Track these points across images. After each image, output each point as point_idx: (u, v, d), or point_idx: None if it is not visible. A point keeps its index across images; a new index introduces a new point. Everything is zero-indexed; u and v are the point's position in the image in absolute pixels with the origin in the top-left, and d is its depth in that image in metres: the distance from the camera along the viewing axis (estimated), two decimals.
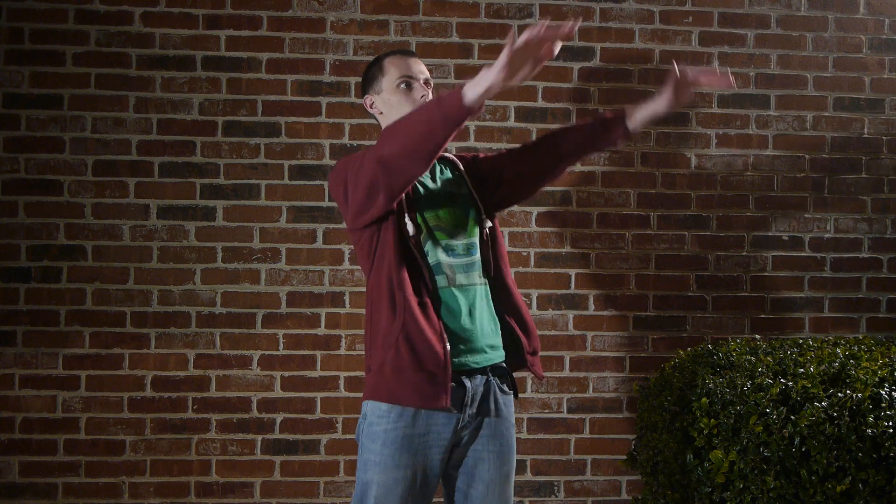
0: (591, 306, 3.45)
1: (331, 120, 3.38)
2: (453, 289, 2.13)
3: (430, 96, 2.21)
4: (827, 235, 3.52)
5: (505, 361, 2.21)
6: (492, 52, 3.41)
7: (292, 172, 3.36)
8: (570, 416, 3.44)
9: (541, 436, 3.42)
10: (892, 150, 3.54)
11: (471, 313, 2.14)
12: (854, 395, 2.34)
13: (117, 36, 3.32)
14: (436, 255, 2.13)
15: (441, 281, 2.12)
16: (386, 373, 2.06)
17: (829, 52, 3.53)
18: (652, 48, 3.47)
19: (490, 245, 2.24)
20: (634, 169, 3.45)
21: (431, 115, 1.88)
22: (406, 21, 3.39)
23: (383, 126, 2.24)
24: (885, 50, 3.54)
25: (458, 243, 2.18)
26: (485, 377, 2.15)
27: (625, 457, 3.36)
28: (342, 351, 3.36)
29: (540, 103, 3.43)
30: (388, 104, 2.21)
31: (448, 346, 2.05)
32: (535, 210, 3.41)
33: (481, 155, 2.34)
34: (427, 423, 2.07)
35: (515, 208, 3.40)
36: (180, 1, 3.32)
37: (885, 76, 3.54)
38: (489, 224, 2.25)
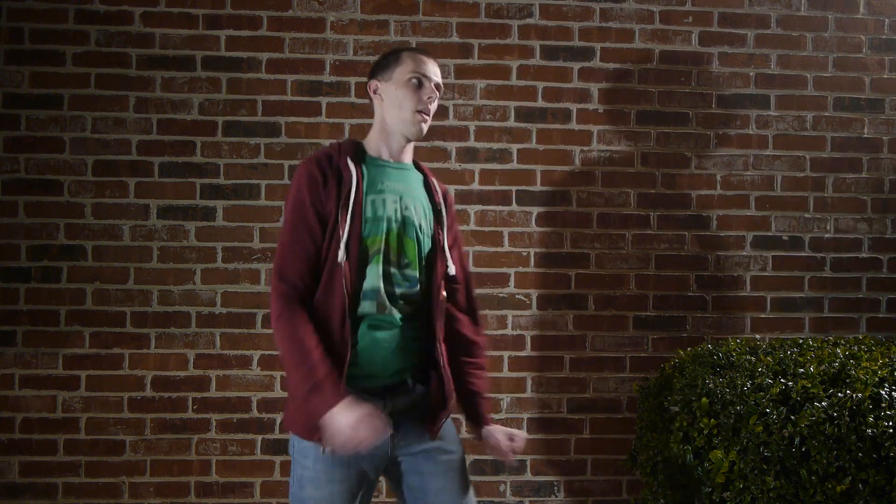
0: (591, 306, 3.43)
1: (331, 120, 3.36)
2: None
3: (434, 106, 2.16)
4: (827, 235, 3.51)
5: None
6: (491, 52, 3.39)
7: (292, 172, 3.35)
8: (570, 416, 3.42)
9: (541, 436, 3.41)
10: (893, 150, 3.52)
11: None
12: (854, 395, 2.32)
13: (117, 36, 3.30)
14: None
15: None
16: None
17: (829, 52, 3.51)
18: (652, 48, 3.45)
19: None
20: (634, 169, 3.44)
21: (300, 379, 1.93)
22: (406, 21, 3.37)
23: (377, 114, 2.17)
24: (885, 50, 3.53)
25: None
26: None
27: (625, 457, 3.35)
28: None
29: (540, 103, 3.41)
30: (392, 95, 2.13)
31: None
32: (534, 210, 3.40)
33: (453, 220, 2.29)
34: None
35: (515, 208, 3.39)
36: (180, 1, 3.31)
37: (886, 76, 3.53)
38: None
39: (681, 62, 3.45)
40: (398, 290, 2.09)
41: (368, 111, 3.30)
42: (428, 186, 2.22)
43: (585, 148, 3.41)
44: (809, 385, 2.43)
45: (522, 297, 3.40)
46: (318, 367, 1.93)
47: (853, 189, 3.52)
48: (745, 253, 3.48)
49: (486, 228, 3.38)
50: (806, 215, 3.51)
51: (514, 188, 3.40)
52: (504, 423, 3.35)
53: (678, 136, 3.46)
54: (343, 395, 1.91)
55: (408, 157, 2.21)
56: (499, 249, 3.39)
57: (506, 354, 3.38)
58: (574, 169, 3.41)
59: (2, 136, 3.25)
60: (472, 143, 3.39)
